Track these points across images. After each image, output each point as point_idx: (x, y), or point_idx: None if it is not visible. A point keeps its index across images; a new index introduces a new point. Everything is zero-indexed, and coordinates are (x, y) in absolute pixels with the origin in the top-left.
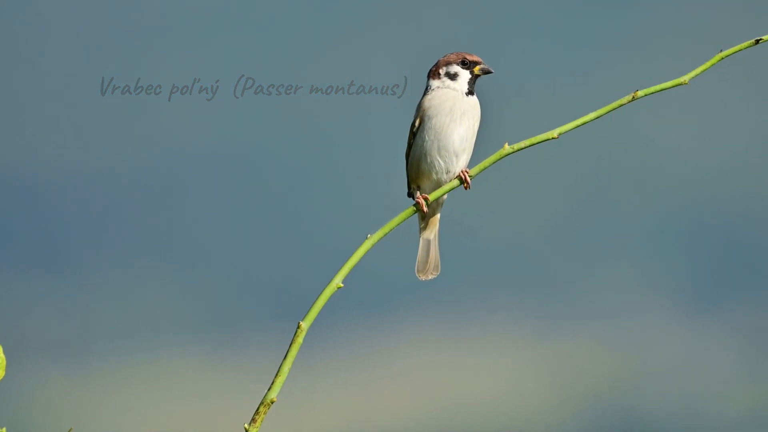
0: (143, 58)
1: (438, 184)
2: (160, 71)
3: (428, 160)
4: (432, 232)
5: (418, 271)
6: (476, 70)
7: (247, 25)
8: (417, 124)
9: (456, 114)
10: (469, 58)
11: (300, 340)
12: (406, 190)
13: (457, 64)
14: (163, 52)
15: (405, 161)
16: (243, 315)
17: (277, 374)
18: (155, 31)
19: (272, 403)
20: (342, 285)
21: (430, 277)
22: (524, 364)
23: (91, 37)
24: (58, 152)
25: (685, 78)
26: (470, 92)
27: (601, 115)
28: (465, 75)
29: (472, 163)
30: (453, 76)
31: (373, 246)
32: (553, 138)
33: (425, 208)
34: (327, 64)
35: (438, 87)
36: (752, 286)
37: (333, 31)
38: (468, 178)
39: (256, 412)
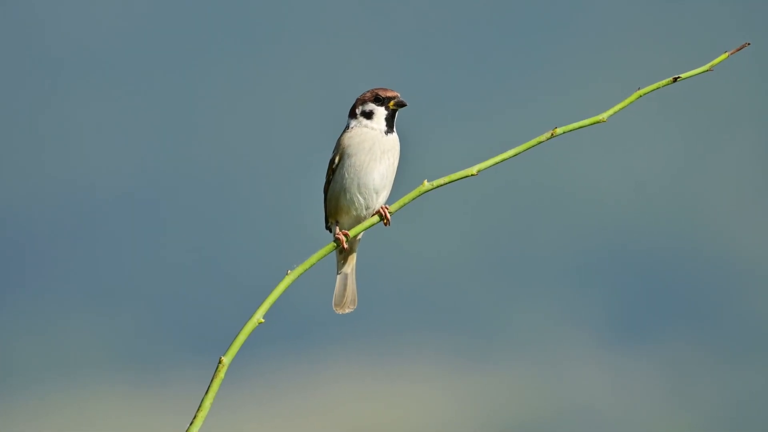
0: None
1: (357, 220)
2: (76, 105)
3: (348, 197)
4: (349, 267)
5: (335, 305)
6: (391, 105)
7: (159, 60)
8: (336, 160)
9: (376, 153)
10: (383, 94)
11: (222, 375)
12: (324, 224)
13: (372, 102)
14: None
15: (323, 195)
16: (167, 350)
17: (198, 409)
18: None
19: None
20: (263, 320)
21: (347, 310)
22: (447, 397)
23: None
24: None
25: (604, 115)
26: (389, 130)
27: (519, 152)
28: (381, 112)
29: (391, 199)
30: (369, 115)
31: (294, 280)
32: (472, 175)
33: (345, 245)
34: (244, 100)
35: (355, 126)
36: (675, 317)
37: (250, 66)
38: (388, 214)
39: None
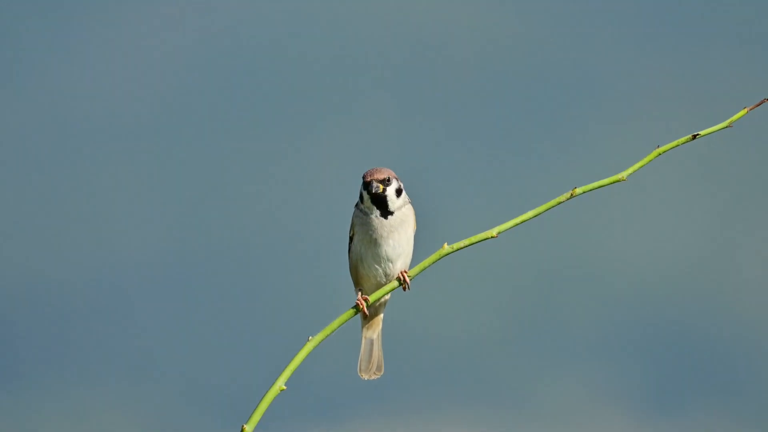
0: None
1: (379, 286)
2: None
3: (365, 266)
4: (375, 332)
5: (360, 370)
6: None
7: (186, 134)
8: (351, 233)
9: (384, 231)
10: (366, 179)
11: None
12: (352, 288)
13: (361, 185)
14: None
15: (347, 260)
16: (189, 420)
17: None
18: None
19: None
20: (285, 387)
21: (373, 377)
22: None
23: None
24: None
25: (623, 174)
26: (383, 211)
27: (539, 213)
28: (365, 195)
29: (412, 263)
30: (361, 197)
31: (316, 346)
32: (492, 237)
33: (366, 311)
34: (265, 168)
35: (357, 206)
36: (706, 390)
37: (274, 139)
38: (407, 279)
39: None
